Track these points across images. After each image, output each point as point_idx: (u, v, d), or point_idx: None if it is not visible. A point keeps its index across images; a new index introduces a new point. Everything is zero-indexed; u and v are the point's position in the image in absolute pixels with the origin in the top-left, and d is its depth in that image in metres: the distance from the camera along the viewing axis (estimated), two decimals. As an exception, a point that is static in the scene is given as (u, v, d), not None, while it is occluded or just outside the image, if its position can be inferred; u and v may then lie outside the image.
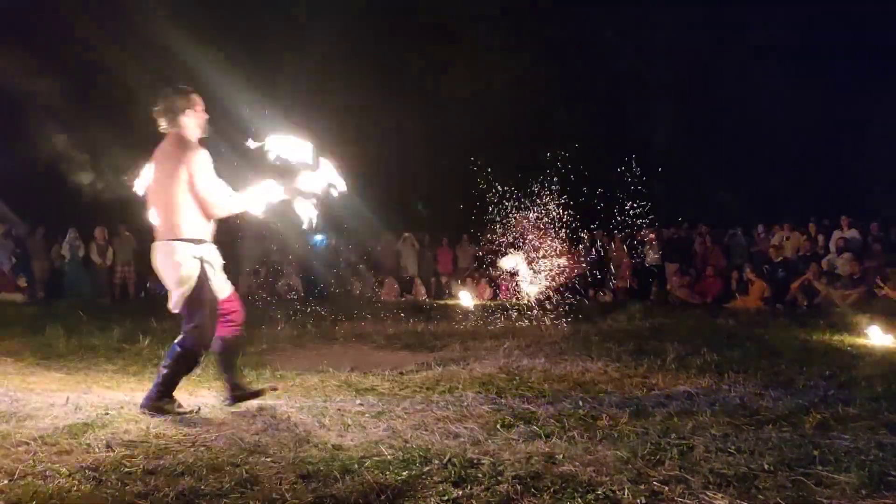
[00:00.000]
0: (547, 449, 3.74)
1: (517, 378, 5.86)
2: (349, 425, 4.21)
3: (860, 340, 8.25)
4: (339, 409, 4.63)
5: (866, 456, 3.63)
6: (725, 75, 19.40)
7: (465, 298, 14.34)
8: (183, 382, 4.58)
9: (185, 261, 4.20)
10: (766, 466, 3.46)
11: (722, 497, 3.04)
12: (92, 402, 4.71)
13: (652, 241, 16.07)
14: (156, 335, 8.19)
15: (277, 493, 3.01)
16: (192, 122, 4.41)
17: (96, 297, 15.10)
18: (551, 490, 3.11)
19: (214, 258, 4.35)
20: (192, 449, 3.64)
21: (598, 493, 3.08)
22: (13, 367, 6.29)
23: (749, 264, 14.60)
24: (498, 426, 4.23)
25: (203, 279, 4.24)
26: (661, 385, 5.60)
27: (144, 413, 4.29)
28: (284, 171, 4.66)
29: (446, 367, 6.52)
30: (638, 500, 3.00)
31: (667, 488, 3.14)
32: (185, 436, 3.89)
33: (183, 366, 4.36)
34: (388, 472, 3.28)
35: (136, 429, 4.00)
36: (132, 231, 16.94)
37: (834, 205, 15.32)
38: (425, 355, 7.33)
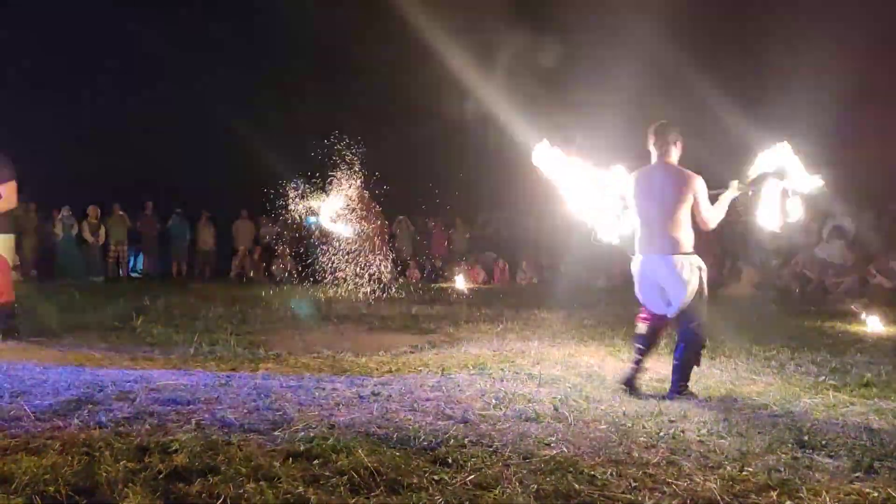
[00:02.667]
0: (539, 431, 3.76)
1: (510, 361, 5.88)
2: (342, 405, 4.22)
3: (851, 327, 8.30)
4: (332, 390, 4.64)
5: (856, 441, 3.66)
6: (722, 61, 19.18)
7: (459, 281, 14.41)
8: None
9: (691, 272, 4.73)
10: (756, 450, 3.49)
11: (713, 479, 3.07)
12: (85, 379, 4.71)
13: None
14: (149, 314, 8.19)
15: (270, 472, 3.01)
16: (678, 152, 4.93)
17: (89, 276, 15.06)
18: (543, 471, 3.12)
19: (704, 266, 4.86)
20: (185, 427, 3.64)
21: (590, 474, 3.09)
22: (6, 344, 6.28)
23: (741, 251, 14.62)
24: (490, 408, 4.24)
25: (702, 285, 4.78)
26: (654, 369, 5.62)
27: (674, 400, 4.55)
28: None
29: (439, 349, 6.55)
30: (630, 483, 3.02)
31: (659, 471, 3.17)
32: (178, 414, 3.90)
33: (693, 358, 4.81)
34: (379, 453, 3.29)
35: (130, 406, 4.01)
36: (125, 210, 16.92)
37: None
38: (419, 337, 7.35)
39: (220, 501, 2.72)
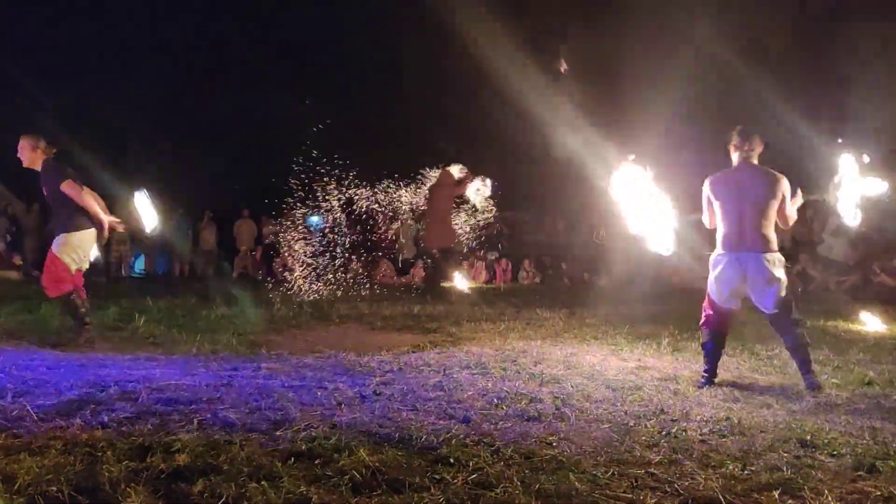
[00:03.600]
0: (540, 430, 3.76)
1: (512, 360, 5.87)
2: (344, 405, 4.22)
3: (854, 326, 8.29)
4: (334, 389, 4.64)
5: (858, 440, 3.66)
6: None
7: (461, 281, 14.37)
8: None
9: (780, 269, 5.03)
10: (758, 449, 3.49)
11: (715, 478, 3.06)
12: (88, 379, 4.71)
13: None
14: (151, 314, 8.19)
15: (272, 472, 3.02)
16: (759, 153, 5.21)
17: (91, 276, 15.05)
18: (544, 470, 3.12)
19: (785, 263, 5.17)
20: (187, 427, 3.65)
21: (592, 473, 3.09)
22: (9, 344, 6.29)
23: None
24: (492, 407, 4.24)
25: (790, 280, 5.08)
26: (655, 367, 5.63)
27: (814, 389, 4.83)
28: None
29: (441, 348, 6.55)
30: (631, 482, 3.02)
31: (660, 470, 3.16)
32: (180, 414, 3.90)
33: (805, 342, 5.05)
34: (381, 452, 3.29)
35: (132, 406, 4.01)
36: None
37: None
38: (420, 337, 7.34)
39: (221, 501, 2.72)
